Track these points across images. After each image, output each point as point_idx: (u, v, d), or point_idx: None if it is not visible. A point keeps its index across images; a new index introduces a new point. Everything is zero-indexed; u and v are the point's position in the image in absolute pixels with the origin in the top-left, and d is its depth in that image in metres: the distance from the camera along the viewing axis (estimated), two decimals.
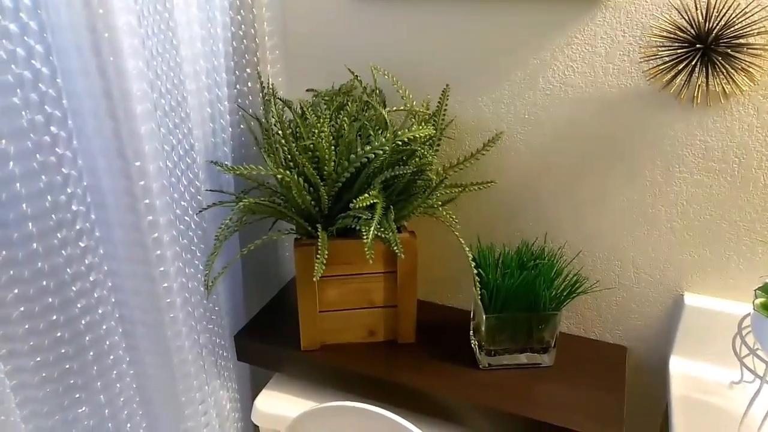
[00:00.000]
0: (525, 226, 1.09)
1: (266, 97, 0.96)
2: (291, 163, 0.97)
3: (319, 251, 0.90)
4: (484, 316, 0.98)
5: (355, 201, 0.84)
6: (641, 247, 1.03)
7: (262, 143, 0.96)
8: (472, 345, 1.08)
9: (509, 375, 1.02)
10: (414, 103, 0.99)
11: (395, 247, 0.88)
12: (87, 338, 0.76)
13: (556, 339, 1.02)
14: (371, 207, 0.88)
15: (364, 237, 0.87)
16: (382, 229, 0.88)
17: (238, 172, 0.88)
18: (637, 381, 1.10)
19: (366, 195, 0.85)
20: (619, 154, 0.98)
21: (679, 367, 1.02)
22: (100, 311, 0.79)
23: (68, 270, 0.73)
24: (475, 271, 0.96)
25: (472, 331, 1.09)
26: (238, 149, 1.08)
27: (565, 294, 0.98)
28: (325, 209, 0.98)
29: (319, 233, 0.94)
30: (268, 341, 1.12)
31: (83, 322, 0.76)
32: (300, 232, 1.03)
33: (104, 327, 0.80)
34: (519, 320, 1.00)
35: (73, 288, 0.74)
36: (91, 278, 0.76)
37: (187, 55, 0.87)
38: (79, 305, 0.75)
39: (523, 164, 1.05)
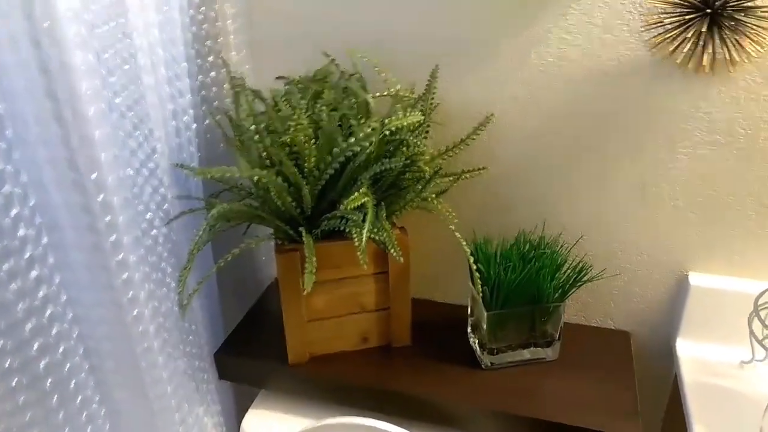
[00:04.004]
0: (521, 213, 1.03)
1: (235, 89, 0.85)
2: (267, 161, 0.87)
3: (307, 259, 0.81)
4: (485, 313, 0.92)
5: (344, 202, 0.75)
6: (643, 229, 0.98)
7: (234, 140, 0.85)
8: (472, 343, 1.01)
9: (513, 373, 0.96)
10: (398, 87, 0.90)
11: (392, 250, 0.80)
12: (48, 381, 0.66)
13: (560, 331, 0.96)
14: (361, 206, 0.79)
15: (356, 241, 0.79)
16: (375, 230, 0.79)
17: (209, 176, 0.78)
18: (640, 365, 1.06)
19: (355, 194, 0.76)
20: (619, 130, 0.92)
21: (687, 349, 0.98)
22: (61, 349, 0.68)
23: (19, 306, 0.62)
24: (474, 267, 0.89)
25: (470, 329, 1.03)
26: (206, 148, 0.97)
27: (569, 284, 0.92)
28: (308, 210, 0.88)
29: (303, 238, 0.85)
30: (252, 356, 1.03)
31: (42, 364, 0.65)
32: (280, 237, 0.93)
33: (67, 366, 0.69)
34: (521, 314, 0.94)
35: (28, 326, 0.63)
36: (47, 312, 0.65)
37: (142, 44, 0.76)
38: (35, 345, 0.64)
39: (516, 148, 0.98)
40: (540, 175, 0.99)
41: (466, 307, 1.03)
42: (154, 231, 0.80)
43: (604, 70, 0.89)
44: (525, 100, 0.94)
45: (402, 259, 0.82)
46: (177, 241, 0.89)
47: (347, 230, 0.82)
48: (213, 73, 0.97)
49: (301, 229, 0.87)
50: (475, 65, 0.94)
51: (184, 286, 0.84)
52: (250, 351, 1.04)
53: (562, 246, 0.97)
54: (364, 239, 0.76)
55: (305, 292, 0.76)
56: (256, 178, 0.81)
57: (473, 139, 0.94)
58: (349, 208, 0.74)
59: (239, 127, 0.84)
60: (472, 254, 0.90)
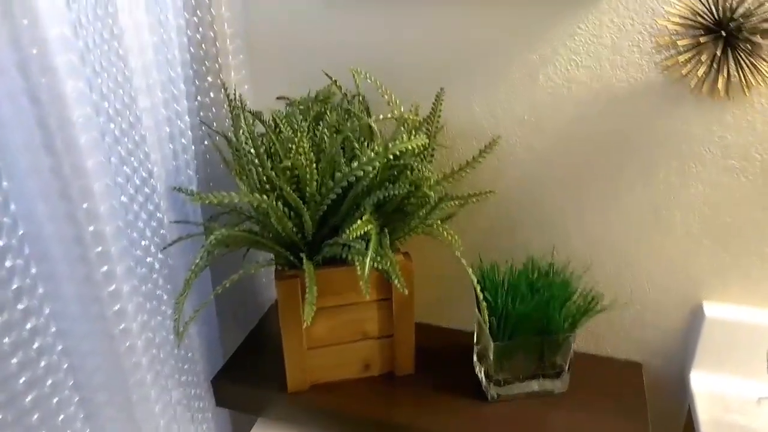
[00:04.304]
0: (528, 238, 1.00)
1: (234, 111, 0.83)
2: (267, 186, 0.84)
3: (308, 288, 0.78)
4: (492, 344, 0.88)
5: (347, 231, 0.72)
6: (655, 255, 0.94)
7: (232, 164, 0.83)
8: (478, 373, 0.98)
9: (521, 406, 0.92)
10: (402, 109, 0.88)
11: (396, 280, 0.77)
12: (35, 417, 0.63)
13: (569, 362, 0.93)
14: (363, 233, 0.76)
15: (359, 270, 0.76)
16: (379, 259, 0.76)
17: (207, 201, 0.75)
18: (653, 398, 1.02)
19: (358, 222, 0.74)
20: (629, 154, 0.89)
21: (701, 382, 0.94)
22: (49, 382, 0.65)
23: (5, 339, 0.59)
24: (481, 296, 0.86)
25: (476, 357, 0.99)
26: (204, 170, 0.95)
27: (579, 315, 0.89)
28: (309, 236, 0.86)
29: (304, 265, 0.82)
30: (250, 383, 1.00)
31: (28, 398, 0.62)
32: (280, 262, 0.90)
33: (56, 400, 0.66)
34: (530, 345, 0.90)
35: (14, 360, 0.60)
36: (35, 345, 0.63)
37: (137, 66, 0.74)
38: (22, 379, 0.61)
39: (523, 170, 0.95)
40: (548, 199, 0.96)
41: (473, 334, 0.99)
42: (149, 258, 0.77)
43: (613, 93, 0.86)
44: (532, 122, 0.92)
45: (406, 291, 0.79)
46: (174, 266, 0.86)
47: (349, 258, 0.79)
48: (212, 94, 0.95)
49: (302, 255, 0.85)
50: (482, 87, 0.92)
51: (181, 313, 0.82)
52: (249, 377, 1.01)
53: (572, 273, 0.93)
54: (367, 269, 0.73)
55: (305, 325, 0.73)
56: (255, 203, 0.78)
57: (479, 162, 0.91)
58: (351, 237, 0.71)
59: (238, 151, 0.82)
60: (478, 282, 0.87)
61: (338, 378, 0.98)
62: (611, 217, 0.94)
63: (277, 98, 0.99)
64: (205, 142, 0.95)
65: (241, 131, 0.80)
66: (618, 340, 1.02)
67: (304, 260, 0.83)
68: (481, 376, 0.96)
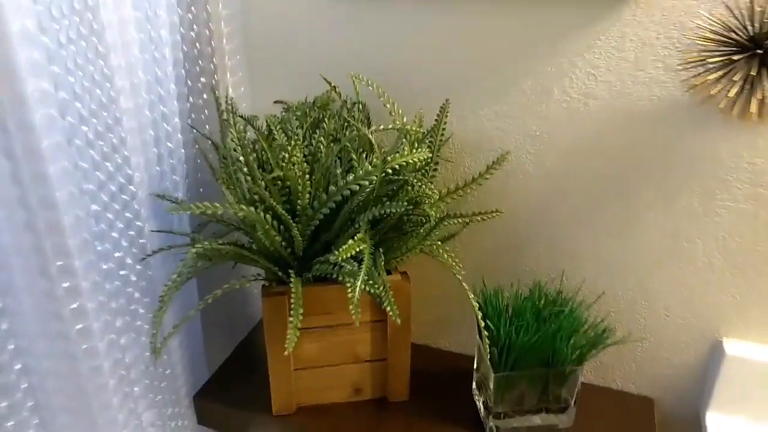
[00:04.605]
0: (536, 260, 0.93)
1: (223, 114, 0.77)
2: (256, 196, 0.78)
3: (293, 310, 0.72)
4: (492, 374, 0.82)
5: (337, 252, 0.66)
6: (673, 286, 0.87)
7: (219, 172, 0.77)
8: (476, 401, 0.91)
9: None
10: (404, 119, 0.82)
11: (388, 308, 0.70)
12: None
13: (576, 396, 0.86)
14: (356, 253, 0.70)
15: (349, 292, 0.70)
16: (371, 282, 0.70)
17: (189, 211, 0.69)
18: None
19: (350, 241, 0.68)
20: (649, 177, 0.83)
21: (718, 424, 0.87)
22: (5, 403, 0.60)
23: None
24: (483, 324, 0.80)
25: (475, 385, 0.93)
26: (194, 175, 0.89)
27: (589, 347, 0.82)
28: (299, 251, 0.80)
29: (292, 282, 0.76)
30: (233, 402, 0.94)
31: None
32: (269, 277, 0.85)
33: (12, 423, 0.61)
34: (533, 378, 0.84)
35: None
36: None
37: (119, 65, 0.68)
38: None
39: (533, 189, 0.89)
40: (559, 220, 0.89)
41: (473, 358, 0.93)
42: (124, 271, 0.72)
43: (634, 110, 0.80)
44: (545, 138, 0.85)
45: (398, 320, 0.72)
46: (155, 278, 0.81)
47: (340, 278, 0.73)
48: (206, 96, 0.89)
49: (291, 271, 0.79)
50: (492, 98, 0.86)
51: (159, 329, 0.76)
52: (233, 396, 0.95)
53: (582, 302, 0.87)
54: (357, 292, 0.67)
55: (287, 351, 0.67)
56: (242, 215, 0.72)
57: (486, 178, 0.85)
58: (342, 257, 0.65)
59: (225, 158, 0.76)
60: (480, 308, 0.81)
61: (327, 401, 0.93)
62: (627, 243, 0.87)
63: (275, 102, 0.94)
64: (196, 146, 0.89)
65: (229, 137, 0.74)
66: (629, 372, 0.95)
67: (293, 277, 0.77)
68: (480, 404, 0.90)
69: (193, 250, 0.73)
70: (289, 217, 0.74)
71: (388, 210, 0.71)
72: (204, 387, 0.97)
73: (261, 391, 0.93)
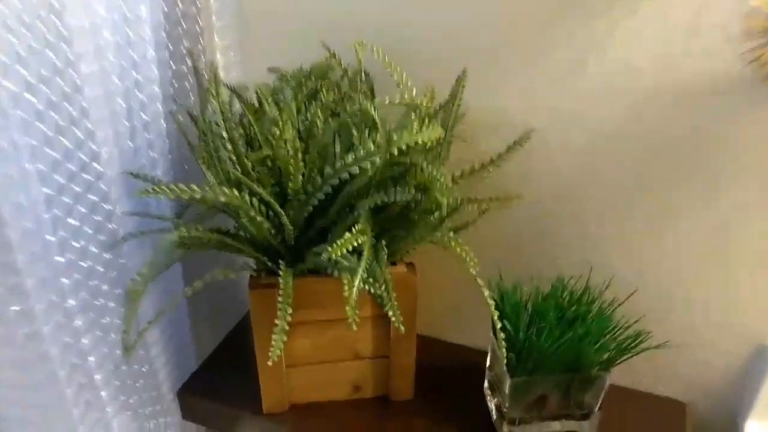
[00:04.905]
0: (559, 253, 0.83)
1: (208, 84, 0.67)
2: (242, 177, 0.69)
3: (280, 310, 0.63)
4: (508, 379, 0.73)
5: (331, 246, 0.56)
6: (716, 285, 0.77)
7: (199, 150, 0.67)
8: (488, 403, 0.83)
9: None
10: (414, 92, 0.71)
11: (391, 314, 0.61)
12: None
13: (601, 402, 0.77)
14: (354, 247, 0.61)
15: (346, 290, 0.60)
16: (371, 281, 0.61)
17: (161, 195, 0.60)
18: None
19: (348, 234, 0.58)
20: (696, 164, 0.72)
21: None
22: None
23: None
24: (499, 325, 0.70)
25: (487, 384, 0.84)
26: (176, 151, 0.80)
27: (618, 352, 0.73)
28: (290, 240, 0.70)
29: (281, 275, 0.67)
30: (221, 398, 0.86)
31: None
32: (258, 267, 0.75)
33: None
34: (554, 383, 0.75)
35: None
36: None
37: (81, 26, 0.58)
38: None
39: (559, 173, 0.78)
40: (588, 209, 0.79)
41: (485, 353, 0.84)
42: (87, 262, 0.63)
43: (682, 87, 0.69)
44: (574, 116, 0.74)
45: (403, 328, 0.63)
46: (129, 267, 0.72)
47: (335, 274, 0.64)
48: (189, 62, 0.79)
49: (281, 262, 0.70)
50: (514, 69, 0.75)
51: (131, 326, 0.67)
52: (220, 391, 0.87)
53: (613, 301, 0.76)
54: (354, 292, 0.58)
55: (271, 361, 0.58)
56: (224, 199, 0.63)
57: (506, 159, 0.75)
58: (337, 254, 0.55)
59: (205, 134, 0.66)
60: (496, 306, 0.71)
61: (323, 399, 0.84)
62: (665, 237, 0.77)
63: (269, 70, 0.83)
64: (179, 119, 0.79)
65: (209, 108, 0.64)
66: (660, 374, 0.86)
67: (282, 269, 0.68)
68: (492, 406, 0.81)
69: (167, 238, 0.63)
70: (279, 202, 0.64)
71: (393, 197, 0.61)
72: (189, 380, 0.89)
73: (250, 386, 0.84)
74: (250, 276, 0.74)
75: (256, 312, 0.74)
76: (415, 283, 0.75)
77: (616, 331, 0.74)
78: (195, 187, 0.62)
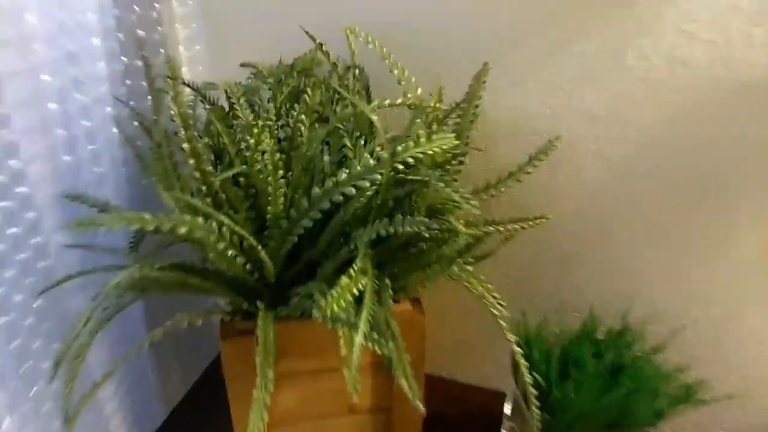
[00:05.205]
0: (586, 281, 0.71)
1: (170, 82, 0.53)
2: (207, 199, 0.55)
3: (259, 370, 0.49)
4: None
5: (324, 300, 0.42)
6: None
7: (152, 165, 0.54)
8: None
9: None
10: (419, 91, 0.58)
11: (404, 379, 0.48)
12: None
13: None
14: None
15: (343, 349, 0.47)
16: (376, 336, 0.47)
17: (97, 227, 0.46)
18: None
19: (345, 280, 0.44)
20: (757, 177, 0.60)
21: None
22: None
23: None
24: (530, 379, 0.57)
25: None
26: (132, 164, 0.65)
27: (670, 406, 0.61)
28: (271, 277, 0.57)
29: (259, 321, 0.54)
30: None
31: None
32: (233, 308, 0.62)
33: None
34: None
35: None
36: None
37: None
38: None
39: (590, 188, 0.67)
40: (623, 230, 0.67)
41: (500, 394, 0.71)
42: (4, 316, 0.48)
43: (743, 82, 0.57)
44: (610, 120, 0.63)
45: (422, 408, 0.50)
46: (74, 312, 0.57)
47: (329, 327, 0.50)
48: (141, 54, 0.65)
49: (259, 303, 0.56)
50: (538, 62, 0.63)
51: (71, 392, 0.53)
52: None
53: (659, 346, 0.64)
54: (356, 355, 0.44)
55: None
56: (184, 230, 0.49)
57: (528, 172, 0.62)
58: (332, 310, 0.42)
59: (160, 146, 0.52)
60: (524, 355, 0.58)
61: None
62: (718, 265, 0.65)
63: (242, 65, 0.69)
64: (135, 123, 0.65)
65: (164, 115, 0.50)
66: (716, 418, 0.74)
67: (261, 312, 0.55)
68: None
69: (113, 282, 0.49)
70: (255, 231, 0.51)
71: (401, 227, 0.47)
72: None
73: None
74: (222, 321, 0.60)
75: (229, 365, 0.61)
76: (423, 324, 0.62)
77: (667, 381, 0.61)
78: (147, 216, 0.48)
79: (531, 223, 0.65)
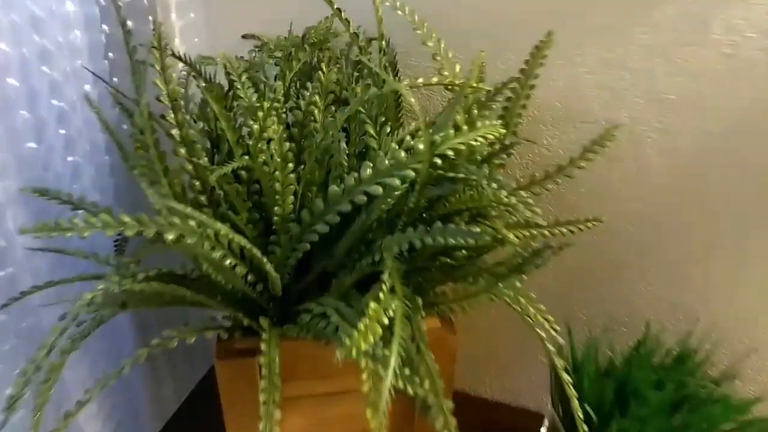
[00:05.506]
0: (637, 292, 0.62)
1: (156, 53, 0.43)
2: (202, 196, 0.46)
3: (262, 397, 0.40)
4: None
5: (349, 335, 0.33)
6: None
7: (132, 155, 0.44)
8: None
9: None
10: (458, 68, 0.48)
11: (442, 418, 0.39)
12: None
13: None
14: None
15: (367, 387, 0.38)
16: (408, 373, 0.38)
17: (63, 232, 0.37)
18: None
19: (373, 306, 0.35)
20: None
21: None
22: None
23: None
24: (580, 413, 0.48)
25: None
26: (114, 153, 0.56)
27: None
28: (277, 290, 0.47)
29: (263, 337, 0.45)
30: None
31: None
32: (233, 323, 0.53)
33: None
34: None
35: None
36: None
37: None
38: None
39: (654, 185, 0.57)
40: (690, 236, 0.57)
41: (529, 413, 0.63)
42: None
43: None
44: (684, 105, 0.53)
45: None
46: (38, 329, 0.48)
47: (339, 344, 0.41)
48: (131, 23, 0.55)
49: (263, 319, 0.47)
50: (595, 37, 0.52)
51: (39, 423, 0.44)
52: None
53: (711, 361, 0.55)
54: (384, 398, 0.35)
55: None
56: (171, 236, 0.39)
57: (581, 167, 0.53)
58: (360, 347, 0.32)
59: (142, 132, 0.42)
60: (572, 383, 0.49)
61: None
62: None
63: (243, 37, 0.59)
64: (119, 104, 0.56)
65: (144, 97, 0.40)
66: None
67: (265, 329, 0.46)
68: None
69: (84, 300, 0.40)
70: (258, 234, 0.41)
71: (443, 239, 0.38)
72: None
73: None
74: (218, 338, 0.51)
75: (227, 388, 0.52)
76: (456, 346, 0.53)
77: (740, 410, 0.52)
78: (126, 219, 0.38)
79: (581, 226, 0.56)
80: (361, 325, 0.33)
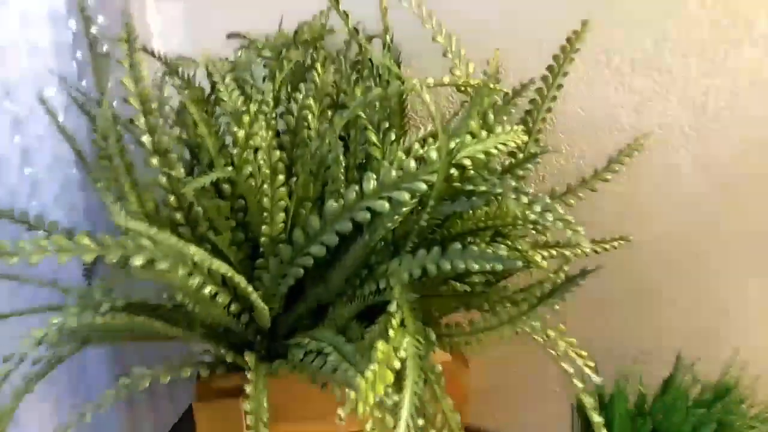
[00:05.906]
0: (670, 320, 0.56)
1: (99, 47, 0.37)
2: (178, 214, 0.39)
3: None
4: None
5: (359, 385, 0.27)
6: None
7: (94, 166, 0.38)
8: None
9: None
10: (471, 66, 0.42)
11: None
12: None
13: None
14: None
15: None
16: (422, 424, 0.32)
17: (6, 257, 0.30)
18: None
19: (382, 346, 0.29)
20: None
21: None
22: None
23: None
24: None
25: None
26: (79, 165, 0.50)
27: None
28: (265, 322, 0.41)
29: (249, 376, 0.39)
30: None
31: None
32: (215, 358, 0.46)
33: None
34: None
35: None
36: None
37: None
38: None
39: (687, 200, 0.51)
40: (727, 256, 0.52)
41: None
42: None
43: None
44: (723, 110, 0.47)
45: None
46: None
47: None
48: (101, 18, 0.49)
49: (249, 354, 0.41)
50: (623, 34, 0.47)
51: None
52: None
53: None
54: None
55: None
56: (138, 261, 0.33)
57: (606, 179, 0.48)
58: (369, 400, 0.26)
59: (106, 138, 0.36)
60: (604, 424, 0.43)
61: None
62: None
63: (229, 36, 0.53)
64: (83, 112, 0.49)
65: (107, 105, 0.34)
66: None
67: (251, 366, 0.39)
68: None
69: (35, 336, 0.34)
70: (241, 268, 0.35)
71: (463, 263, 0.31)
72: None
73: None
74: (198, 376, 0.45)
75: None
76: (468, 381, 0.47)
77: None
78: (86, 241, 0.32)
79: (607, 246, 0.50)
80: (368, 373, 0.27)
